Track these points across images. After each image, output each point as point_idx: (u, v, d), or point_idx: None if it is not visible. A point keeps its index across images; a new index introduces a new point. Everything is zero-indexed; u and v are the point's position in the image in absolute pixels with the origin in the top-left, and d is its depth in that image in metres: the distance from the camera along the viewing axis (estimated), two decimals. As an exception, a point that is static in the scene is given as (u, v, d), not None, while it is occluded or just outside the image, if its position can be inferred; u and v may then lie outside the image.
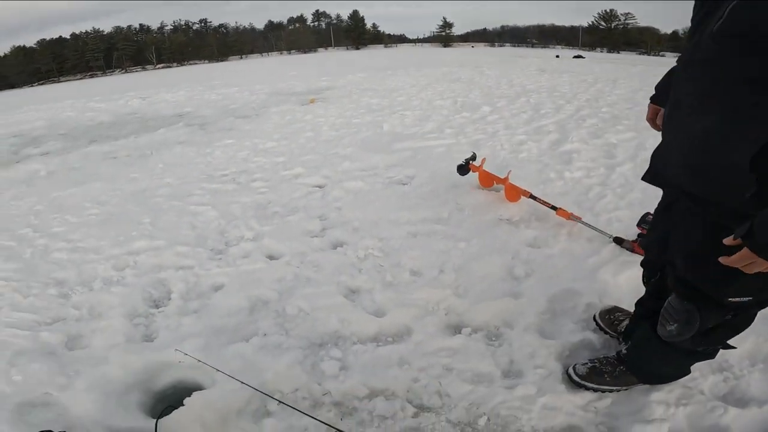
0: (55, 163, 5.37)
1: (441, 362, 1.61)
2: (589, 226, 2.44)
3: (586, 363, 1.50)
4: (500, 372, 1.57)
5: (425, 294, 1.99)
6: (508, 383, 1.52)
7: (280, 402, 1.43)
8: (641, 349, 1.38)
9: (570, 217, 2.51)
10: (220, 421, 1.40)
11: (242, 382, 1.42)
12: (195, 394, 1.45)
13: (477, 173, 3.29)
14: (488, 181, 3.22)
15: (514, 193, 2.89)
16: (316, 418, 1.32)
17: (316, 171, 3.97)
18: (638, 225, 2.37)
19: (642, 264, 1.45)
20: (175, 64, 66.32)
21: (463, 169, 3.35)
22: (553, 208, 2.62)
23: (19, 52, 66.80)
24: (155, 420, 1.39)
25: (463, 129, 5.27)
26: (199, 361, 1.51)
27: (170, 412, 1.42)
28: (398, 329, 1.82)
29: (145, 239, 2.74)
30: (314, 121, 6.48)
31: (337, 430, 1.29)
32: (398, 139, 4.97)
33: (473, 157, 3.42)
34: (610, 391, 1.45)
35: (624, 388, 1.45)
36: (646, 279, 1.44)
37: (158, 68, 60.98)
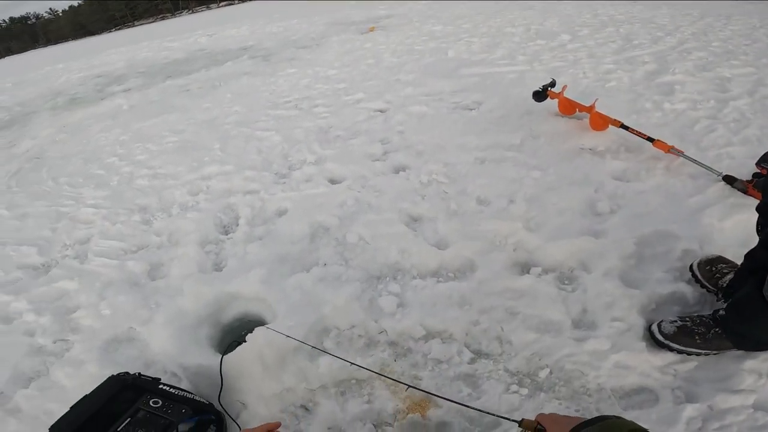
0: (136, 98, 5.77)
1: (505, 305, 1.50)
2: (694, 161, 2.04)
3: (675, 321, 1.28)
4: (570, 321, 1.42)
5: (492, 226, 1.83)
6: (578, 335, 1.37)
7: (325, 352, 1.42)
8: (743, 308, 1.14)
9: (670, 150, 2.11)
10: (279, 359, 1.43)
11: (299, 341, 1.41)
12: (257, 330, 1.47)
13: (557, 100, 2.89)
14: (570, 108, 2.82)
15: (601, 122, 2.49)
16: (364, 367, 1.29)
17: (377, 96, 3.80)
18: (757, 164, 1.92)
19: (757, 209, 1.18)
20: (236, 1, 65.95)
21: (540, 95, 2.98)
22: (650, 139, 2.21)
23: (93, 1, 70.59)
24: (221, 356, 1.43)
25: (538, 56, 4.64)
26: (288, 336, 1.45)
27: (234, 348, 1.46)
28: (461, 264, 1.72)
29: (216, 164, 2.86)
30: (375, 48, 6.12)
31: (378, 374, 1.27)
32: (464, 65, 4.53)
33: (552, 84, 3.01)
34: (697, 354, 1.24)
35: (714, 352, 1.23)
36: (761, 227, 1.17)
37: (222, 6, 61.21)
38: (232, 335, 1.71)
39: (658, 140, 2.17)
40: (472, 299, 1.53)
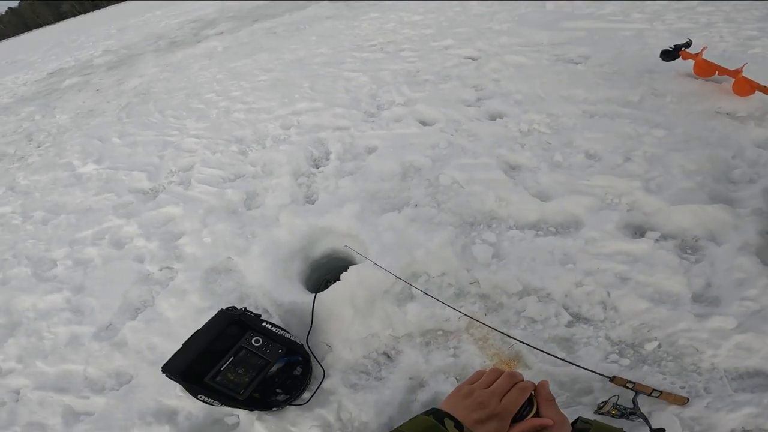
0: (229, 39, 6.01)
1: (615, 269, 1.37)
2: None
3: None
4: (691, 294, 1.27)
5: (604, 182, 1.66)
6: (699, 310, 1.22)
7: (425, 293, 1.37)
8: None
9: None
10: (368, 301, 1.40)
11: (397, 277, 1.36)
12: (351, 269, 1.43)
13: (692, 61, 2.51)
14: (709, 70, 2.44)
15: (748, 87, 2.13)
16: (458, 310, 1.22)
17: (468, 43, 3.55)
18: None
19: None
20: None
21: (670, 54, 2.60)
22: None
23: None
24: (314, 294, 1.39)
25: (659, 15, 4.01)
26: (375, 264, 1.40)
27: (327, 286, 1.43)
28: (565, 219, 1.59)
29: (306, 101, 2.91)
30: (463, -6, 5.67)
31: (480, 323, 1.18)
32: (567, 17, 4.05)
33: (688, 44, 2.61)
34: None
35: None
36: None
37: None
38: (319, 272, 1.71)
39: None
40: (577, 258, 1.42)
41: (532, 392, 0.58)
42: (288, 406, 1.18)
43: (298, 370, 1.20)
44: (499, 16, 4.41)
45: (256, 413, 1.20)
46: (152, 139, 3.30)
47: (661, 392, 1.04)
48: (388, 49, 3.78)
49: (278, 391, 1.15)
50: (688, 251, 1.42)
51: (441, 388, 1.22)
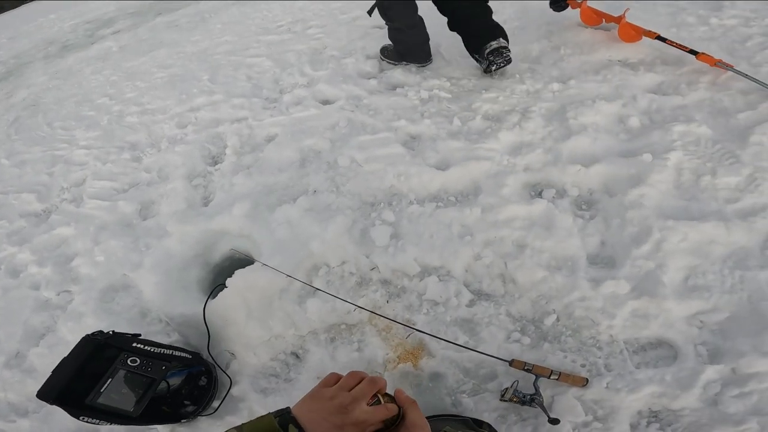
0: (126, 38, 5.46)
1: (512, 236, 1.33)
2: (745, 75, 1.73)
3: None
4: (586, 257, 1.25)
5: (499, 144, 1.63)
6: (593, 274, 1.20)
7: (317, 289, 1.31)
8: None
9: (716, 63, 1.80)
10: (264, 303, 1.34)
11: (287, 275, 1.29)
12: (237, 273, 1.38)
13: (578, 9, 2.51)
14: (595, 19, 2.46)
15: (633, 33, 2.15)
16: (353, 303, 1.19)
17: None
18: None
19: None
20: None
21: (559, 4, 2.58)
22: (692, 52, 1.89)
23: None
24: (203, 304, 1.36)
25: None
26: (264, 264, 1.35)
27: (217, 294, 1.40)
28: (464, 187, 1.54)
29: (205, 95, 2.70)
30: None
31: (376, 314, 1.16)
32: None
33: None
34: None
35: None
36: None
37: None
38: (224, 276, 1.62)
39: (702, 53, 1.85)
40: (475, 229, 1.37)
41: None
42: (199, 417, 1.21)
43: (203, 381, 1.22)
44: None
45: (169, 426, 1.23)
46: (40, 155, 2.99)
47: (560, 374, 1.01)
48: (296, 28, 3.57)
49: (186, 402, 1.18)
50: (583, 207, 1.40)
51: (349, 385, 1.17)
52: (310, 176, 1.73)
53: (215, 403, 1.23)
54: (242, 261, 1.57)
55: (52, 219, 2.18)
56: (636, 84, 1.85)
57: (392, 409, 0.54)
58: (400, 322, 1.19)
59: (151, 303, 1.50)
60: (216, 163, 2.09)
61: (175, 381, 1.17)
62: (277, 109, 2.24)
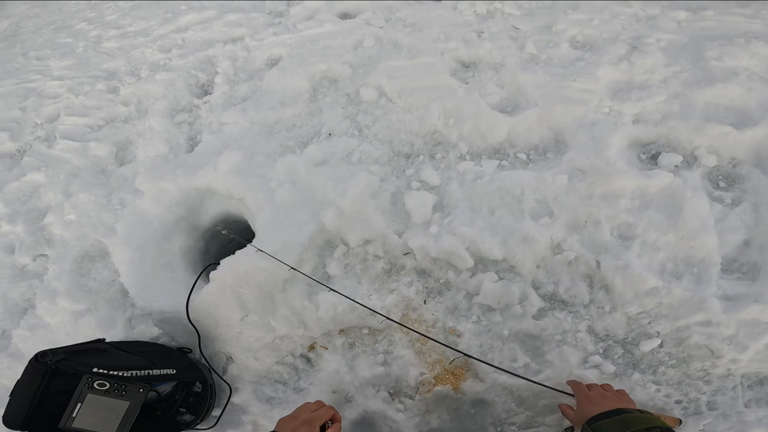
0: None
1: (615, 221, 0.98)
2: None
3: None
4: (721, 262, 0.91)
5: (598, 83, 1.14)
6: (728, 289, 0.88)
7: (331, 289, 0.97)
8: None
9: None
10: (263, 298, 1.04)
11: (291, 267, 0.96)
12: (224, 263, 1.07)
13: None
14: None
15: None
16: (378, 312, 0.85)
17: None
18: None
19: None
20: None
21: None
22: None
23: None
24: (185, 301, 1.09)
25: None
26: (259, 250, 1.00)
27: (202, 288, 1.13)
28: (542, 138, 1.10)
29: (194, 12, 2.24)
30: None
31: (410, 329, 0.85)
32: None
33: None
34: None
35: None
36: None
37: None
38: (218, 245, 1.36)
39: None
40: (557, 205, 0.94)
41: None
42: (197, 429, 1.06)
43: (197, 387, 1.05)
44: None
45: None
46: (13, 88, 2.68)
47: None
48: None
49: (182, 410, 1.04)
50: (722, 185, 0.98)
51: (371, 406, 0.91)
52: (323, 113, 1.30)
53: (215, 412, 1.08)
54: (244, 222, 1.23)
55: (25, 162, 1.88)
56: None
57: None
58: (444, 343, 0.84)
59: (128, 286, 1.19)
60: (205, 93, 1.67)
61: (164, 388, 1.00)
62: (282, 25, 1.75)
